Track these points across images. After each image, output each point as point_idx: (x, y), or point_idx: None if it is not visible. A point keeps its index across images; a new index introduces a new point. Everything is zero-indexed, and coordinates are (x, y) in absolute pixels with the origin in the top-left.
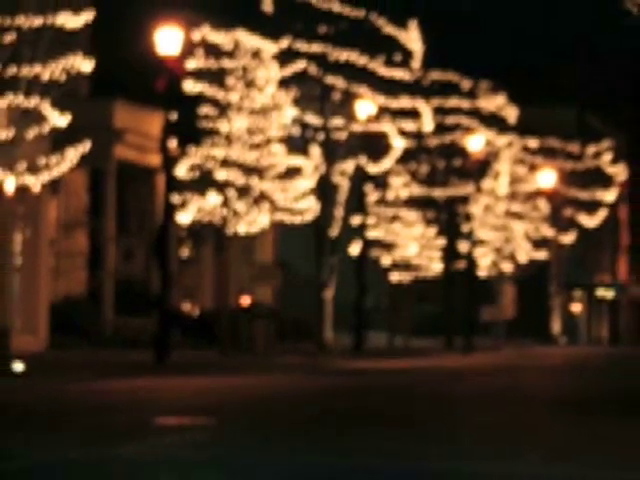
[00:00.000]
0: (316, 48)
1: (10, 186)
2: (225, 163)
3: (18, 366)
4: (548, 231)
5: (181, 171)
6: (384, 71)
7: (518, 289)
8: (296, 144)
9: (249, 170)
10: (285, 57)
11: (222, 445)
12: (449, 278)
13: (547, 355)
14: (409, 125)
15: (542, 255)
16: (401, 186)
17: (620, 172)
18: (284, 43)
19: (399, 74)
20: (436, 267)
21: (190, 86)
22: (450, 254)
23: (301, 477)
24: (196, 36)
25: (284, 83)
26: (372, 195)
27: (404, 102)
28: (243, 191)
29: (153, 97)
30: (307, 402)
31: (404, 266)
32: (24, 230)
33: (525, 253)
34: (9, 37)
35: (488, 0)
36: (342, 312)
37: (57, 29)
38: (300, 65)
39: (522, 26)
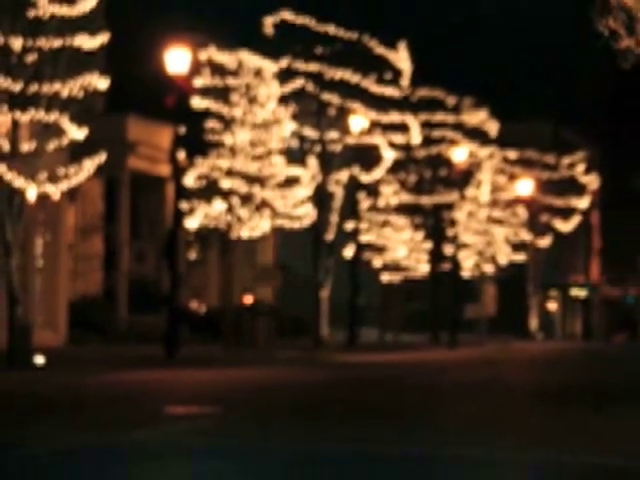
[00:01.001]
0: (313, 67)
1: (32, 194)
2: (229, 173)
3: (39, 359)
4: (526, 235)
5: (189, 180)
6: (375, 88)
7: (499, 289)
8: (295, 155)
9: (251, 179)
10: (285, 75)
11: (227, 432)
12: (435, 278)
13: (526, 349)
14: (398, 138)
15: (521, 257)
16: (391, 194)
17: (592, 181)
18: (284, 63)
19: (389, 91)
20: (423, 268)
21: (197, 102)
22: (436, 256)
23: (301, 462)
24: (203, 56)
25: (284, 99)
26: (365, 202)
27: (394, 117)
28: (246, 199)
29: (163, 112)
30: (305, 392)
31: (394, 267)
32: (45, 235)
33: (505, 255)
34: (31, 57)
35: (472, 24)
36: (337, 310)
37: (75, 50)
38: (298, 83)
39: (503, 46)
